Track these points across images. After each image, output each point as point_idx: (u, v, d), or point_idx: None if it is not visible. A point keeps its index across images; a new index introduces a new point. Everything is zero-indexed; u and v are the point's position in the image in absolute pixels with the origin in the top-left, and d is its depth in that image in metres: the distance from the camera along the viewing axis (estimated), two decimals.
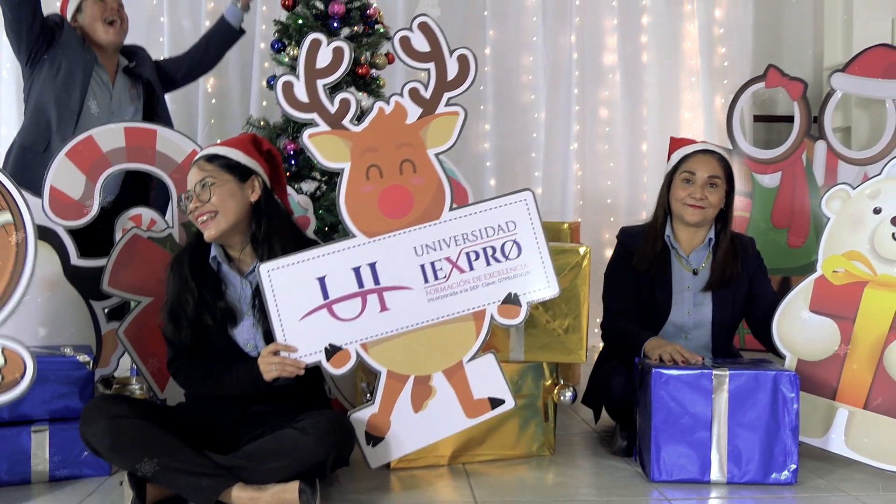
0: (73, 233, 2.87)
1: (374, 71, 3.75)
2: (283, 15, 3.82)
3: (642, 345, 2.66)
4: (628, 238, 2.93)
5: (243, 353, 2.36)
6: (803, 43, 5.10)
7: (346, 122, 2.31)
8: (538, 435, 2.72)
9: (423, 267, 2.33)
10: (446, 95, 2.33)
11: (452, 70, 2.32)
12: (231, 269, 2.41)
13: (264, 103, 4.48)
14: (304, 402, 2.35)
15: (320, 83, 2.30)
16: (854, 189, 2.64)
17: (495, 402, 2.40)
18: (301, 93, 2.29)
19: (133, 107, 3.48)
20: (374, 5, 3.83)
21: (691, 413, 2.41)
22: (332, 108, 2.30)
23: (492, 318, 2.35)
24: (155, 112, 3.53)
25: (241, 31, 3.75)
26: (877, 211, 2.61)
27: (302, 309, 2.30)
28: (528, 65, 4.84)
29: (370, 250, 2.33)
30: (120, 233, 2.92)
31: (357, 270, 2.32)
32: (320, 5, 3.71)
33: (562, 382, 2.74)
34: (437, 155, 2.34)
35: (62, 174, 2.82)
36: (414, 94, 2.31)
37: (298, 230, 2.48)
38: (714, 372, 2.42)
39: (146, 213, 3.01)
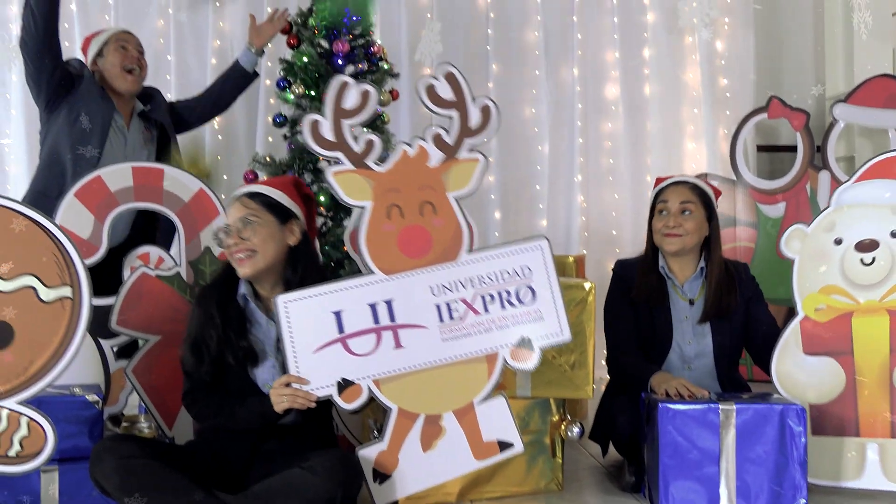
0: None
1: (378, 107, 3.79)
2: (287, 53, 3.86)
3: (648, 379, 2.67)
4: (625, 270, 2.96)
5: (260, 394, 2.36)
6: (805, 73, 5.12)
7: (369, 161, 2.35)
8: (546, 471, 2.71)
9: (438, 307, 2.34)
10: (468, 142, 2.37)
11: (475, 118, 2.36)
12: (258, 307, 2.41)
13: (270, 139, 4.52)
14: (312, 441, 2.35)
15: (346, 123, 2.34)
16: (808, 227, 2.65)
17: (504, 445, 2.40)
18: (327, 132, 2.33)
19: (146, 150, 3.52)
20: (378, 43, 3.88)
21: (699, 448, 2.41)
22: (357, 148, 2.34)
23: (504, 360, 2.36)
24: (168, 155, 3.55)
25: (256, 75, 3.81)
26: (838, 242, 2.62)
27: (317, 342, 2.31)
28: (531, 98, 4.87)
29: (387, 287, 2.35)
30: (128, 271, 2.94)
31: (373, 307, 2.34)
32: (325, 43, 3.75)
33: (569, 418, 2.74)
34: (456, 199, 2.37)
35: (71, 214, 2.85)
36: (437, 139, 2.35)
37: (326, 274, 2.49)
38: (721, 406, 2.42)
39: (154, 252, 3.03)
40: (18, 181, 4.39)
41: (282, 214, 2.38)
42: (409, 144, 2.37)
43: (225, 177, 4.57)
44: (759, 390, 2.79)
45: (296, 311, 2.30)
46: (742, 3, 4.87)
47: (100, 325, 2.84)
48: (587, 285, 2.67)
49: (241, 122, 4.64)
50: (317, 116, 2.33)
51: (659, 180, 3.02)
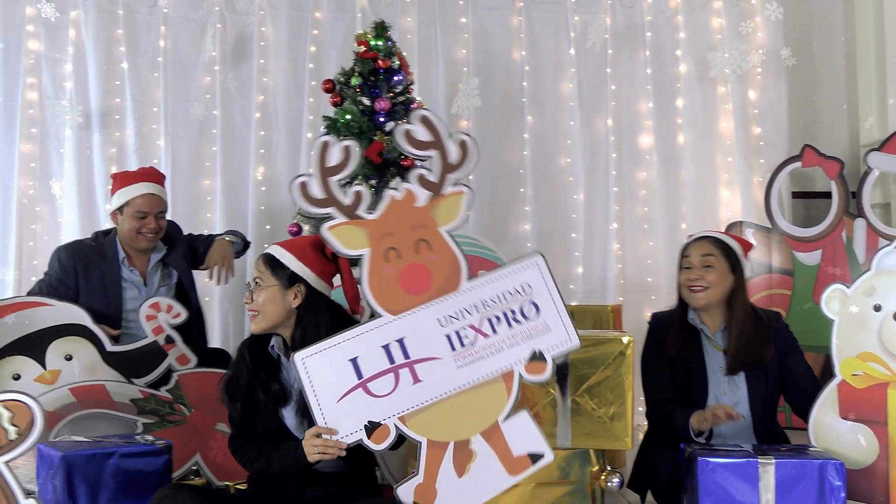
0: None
1: (417, 162, 3.89)
2: (331, 110, 3.98)
3: (688, 425, 2.72)
4: (659, 323, 3.02)
5: (292, 435, 2.46)
6: (838, 121, 5.14)
7: (360, 211, 2.44)
8: None
9: (448, 336, 2.40)
10: (451, 177, 2.44)
11: (454, 154, 2.44)
12: (289, 355, 2.51)
13: None
14: (357, 488, 2.43)
15: (333, 179, 2.44)
16: (849, 288, 2.63)
17: (535, 457, 2.42)
18: (316, 190, 2.43)
19: (165, 288, 3.61)
20: (419, 100, 3.99)
21: (738, 502, 2.43)
22: (347, 201, 2.43)
23: (520, 376, 2.42)
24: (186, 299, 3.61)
25: (242, 253, 3.92)
26: (877, 308, 2.58)
27: (338, 391, 2.38)
28: (566, 148, 4.94)
29: (397, 327, 2.41)
30: (145, 320, 3.20)
31: (387, 348, 2.40)
32: (367, 101, 3.87)
33: (608, 468, 2.78)
34: (448, 232, 2.45)
35: None
36: (421, 179, 2.44)
37: (345, 323, 2.52)
38: (760, 460, 2.45)
39: (163, 301, 3.26)
40: (70, 232, 4.55)
41: (287, 278, 2.49)
42: (395, 189, 2.46)
43: (268, 227, 4.69)
44: (797, 441, 2.80)
45: (314, 366, 2.37)
46: (773, 53, 4.93)
47: (130, 367, 3.13)
48: (625, 339, 2.73)
49: (284, 173, 4.75)
50: (304, 178, 2.44)
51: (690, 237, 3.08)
